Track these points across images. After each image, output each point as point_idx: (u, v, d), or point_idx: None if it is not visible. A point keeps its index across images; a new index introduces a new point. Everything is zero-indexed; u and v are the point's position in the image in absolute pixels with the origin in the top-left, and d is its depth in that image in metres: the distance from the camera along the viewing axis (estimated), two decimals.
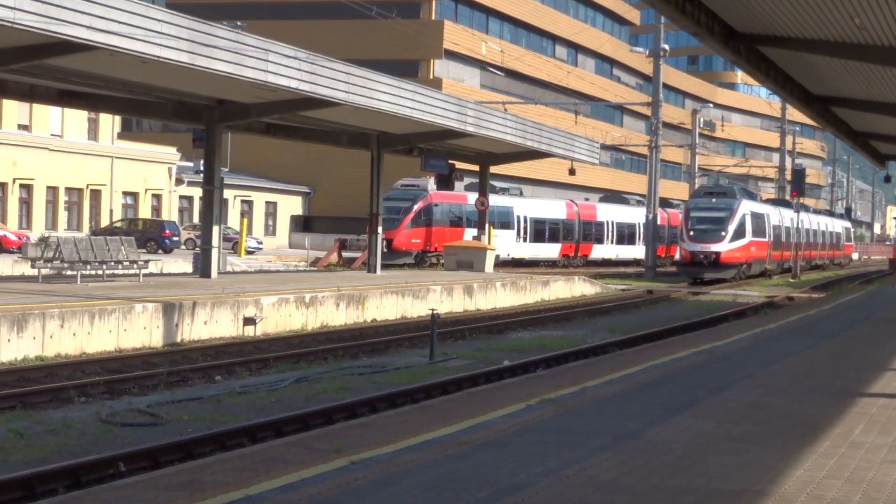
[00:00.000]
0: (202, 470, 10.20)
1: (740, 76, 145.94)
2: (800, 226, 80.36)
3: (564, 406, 13.92)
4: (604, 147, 73.65)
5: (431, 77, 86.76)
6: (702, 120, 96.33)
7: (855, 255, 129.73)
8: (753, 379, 17.05)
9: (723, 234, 64.29)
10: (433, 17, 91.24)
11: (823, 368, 19.00)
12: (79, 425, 15.95)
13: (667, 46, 70.65)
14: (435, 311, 25.59)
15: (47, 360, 22.19)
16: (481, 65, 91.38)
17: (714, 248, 63.57)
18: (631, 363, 19.06)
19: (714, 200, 67.10)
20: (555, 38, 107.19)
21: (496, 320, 35.32)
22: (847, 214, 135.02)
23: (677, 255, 72.71)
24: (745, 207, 67.24)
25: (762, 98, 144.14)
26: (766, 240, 71.05)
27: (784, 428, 12.63)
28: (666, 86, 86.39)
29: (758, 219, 69.78)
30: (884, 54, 24.47)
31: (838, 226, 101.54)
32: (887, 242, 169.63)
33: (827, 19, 22.67)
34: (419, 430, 12.00)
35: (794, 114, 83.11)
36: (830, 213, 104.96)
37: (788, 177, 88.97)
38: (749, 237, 66.44)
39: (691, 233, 65.53)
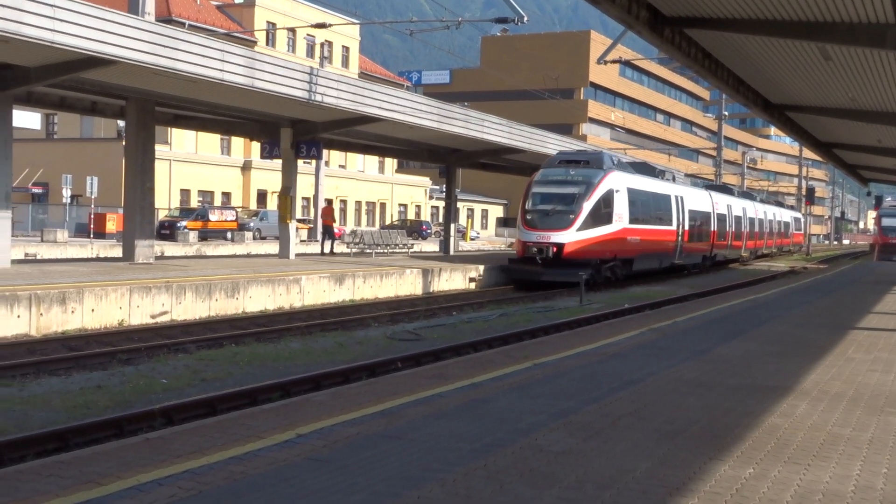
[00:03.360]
0: (445, 367, 10.28)
1: (773, 130, 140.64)
2: (743, 214, 47.81)
3: (662, 333, 13.64)
4: (686, 175, 69.78)
5: (580, 134, 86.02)
6: (748, 158, 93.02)
7: (838, 242, 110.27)
8: (782, 318, 16.44)
9: (571, 217, 28.50)
10: (582, 98, 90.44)
11: (827, 311, 18.22)
12: (374, 340, 16.27)
13: (726, 112, 68.36)
14: (582, 274, 25.32)
15: (355, 302, 22.67)
16: (611, 126, 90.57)
17: (555, 237, 28.24)
18: (703, 307, 18.57)
19: (572, 172, 30.04)
20: (656, 109, 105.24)
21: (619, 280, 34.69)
22: (841, 217, 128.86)
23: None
24: (615, 182, 30.03)
25: (787, 143, 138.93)
26: (673, 228, 35.30)
27: (802, 348, 12.15)
28: (725, 137, 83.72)
29: (649, 199, 33.22)
30: (867, 116, 23.50)
31: (787, 215, 65.06)
32: (867, 233, 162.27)
33: (832, 95, 21.85)
34: (574, 345, 11.90)
35: (808, 153, 79.66)
36: (779, 203, 68.09)
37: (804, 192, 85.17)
38: (623, 223, 30.25)
39: (528, 216, 29.38)
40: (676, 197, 36.56)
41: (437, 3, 33.03)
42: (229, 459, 5.85)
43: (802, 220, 75.28)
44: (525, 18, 26.09)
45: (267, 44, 60.04)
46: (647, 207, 32.87)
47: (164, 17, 48.57)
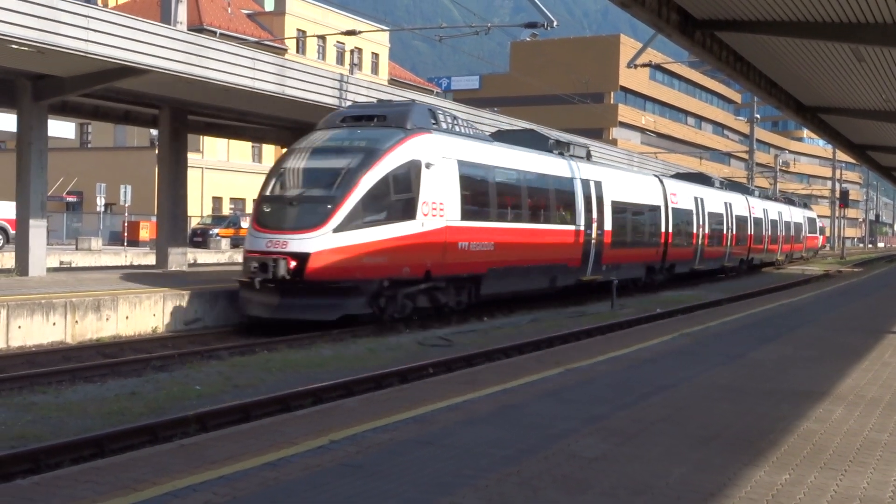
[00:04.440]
0: (477, 373, 10.29)
1: (806, 133, 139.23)
2: (726, 211, 36.67)
3: (695, 338, 13.56)
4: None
5: (611, 138, 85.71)
6: (781, 161, 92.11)
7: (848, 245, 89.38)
8: (817, 322, 16.28)
9: (328, 208, 16.09)
10: (612, 102, 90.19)
11: (863, 315, 18.02)
12: (405, 346, 16.22)
13: (758, 115, 67.73)
14: (614, 279, 25.17)
15: None
16: (641, 130, 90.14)
17: (295, 243, 15.89)
18: (737, 311, 18.44)
19: (359, 132, 17.54)
20: (686, 113, 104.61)
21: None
22: (876, 220, 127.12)
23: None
24: (424, 150, 17.80)
25: (820, 146, 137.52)
26: (574, 227, 23.85)
27: (837, 353, 12.02)
28: (757, 140, 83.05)
29: (518, 181, 21.81)
30: None
31: (798, 215, 52.85)
32: None
33: (865, 97, 21.62)
34: (605, 350, 11.86)
35: (841, 155, 78.66)
36: (790, 201, 55.43)
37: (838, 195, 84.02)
38: (445, 217, 18.27)
39: (263, 209, 17.01)
40: (586, 182, 24.64)
41: (466, 8, 33.07)
42: (263, 465, 5.88)
43: (819, 221, 62.83)
44: (554, 23, 26.03)
45: (297, 51, 60.41)
46: (512, 195, 21.46)
47: (196, 27, 49.03)
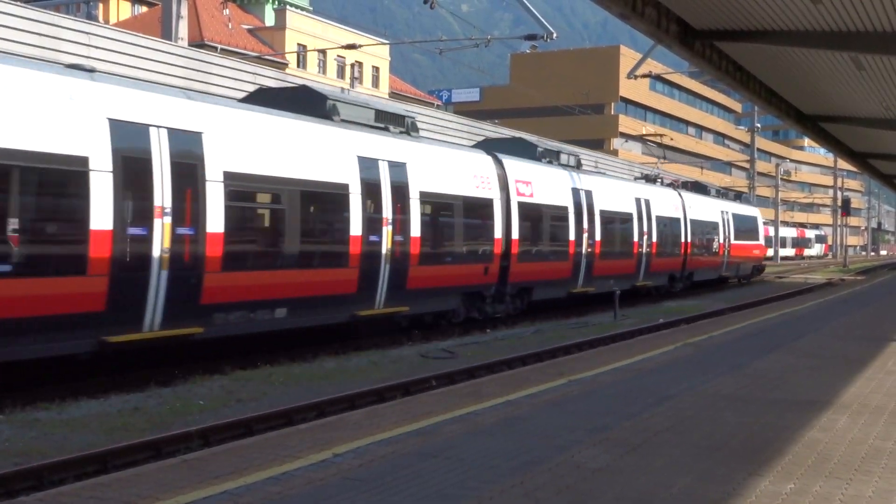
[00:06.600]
0: (480, 385, 10.27)
1: (807, 141, 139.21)
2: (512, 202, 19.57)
3: (698, 347, 13.54)
4: (721, 188, 65.95)
5: (611, 149, 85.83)
6: (782, 170, 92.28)
7: (816, 251, 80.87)
8: (820, 331, 16.25)
9: None
10: (612, 113, 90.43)
11: (866, 323, 17.99)
12: (407, 358, 16.21)
13: (759, 125, 67.85)
14: (616, 290, 25.14)
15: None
16: (642, 140, 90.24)
17: None
18: (740, 321, 18.41)
19: None
20: (687, 123, 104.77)
21: (653, 294, 34.39)
22: (878, 228, 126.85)
23: None
24: None
25: (821, 155, 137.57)
26: None
27: (841, 361, 12.00)
28: (758, 149, 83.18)
29: None
30: None
31: (707, 210, 33.24)
32: None
33: (866, 105, 21.69)
34: (609, 361, 11.84)
35: (843, 164, 78.71)
36: (700, 189, 36.62)
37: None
38: None
39: None
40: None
41: (466, 21, 33.16)
42: (266, 480, 5.87)
43: (759, 220, 42.80)
44: (554, 35, 26.04)
45: (298, 66, 60.59)
46: None
47: (197, 42, 49.15)
